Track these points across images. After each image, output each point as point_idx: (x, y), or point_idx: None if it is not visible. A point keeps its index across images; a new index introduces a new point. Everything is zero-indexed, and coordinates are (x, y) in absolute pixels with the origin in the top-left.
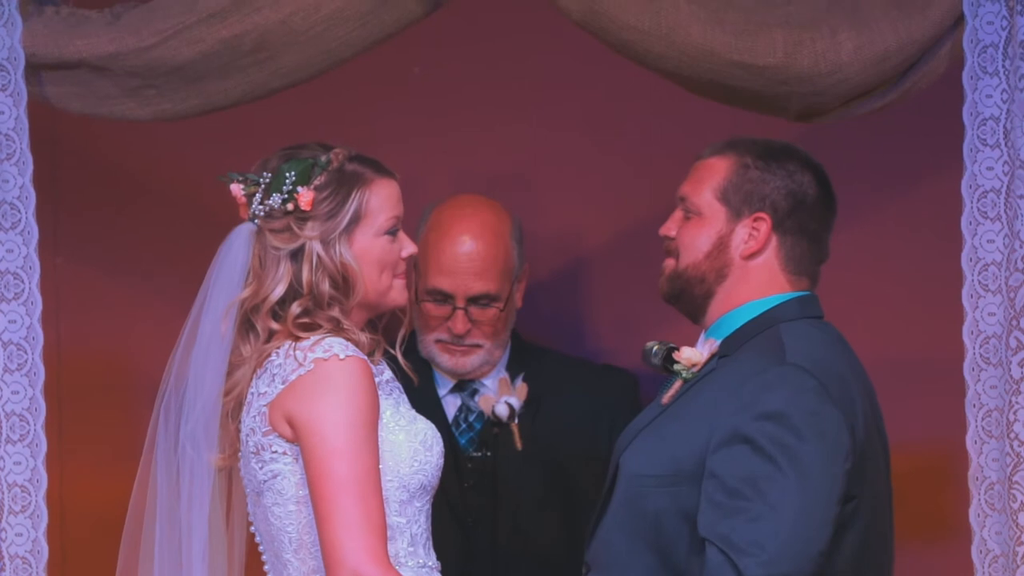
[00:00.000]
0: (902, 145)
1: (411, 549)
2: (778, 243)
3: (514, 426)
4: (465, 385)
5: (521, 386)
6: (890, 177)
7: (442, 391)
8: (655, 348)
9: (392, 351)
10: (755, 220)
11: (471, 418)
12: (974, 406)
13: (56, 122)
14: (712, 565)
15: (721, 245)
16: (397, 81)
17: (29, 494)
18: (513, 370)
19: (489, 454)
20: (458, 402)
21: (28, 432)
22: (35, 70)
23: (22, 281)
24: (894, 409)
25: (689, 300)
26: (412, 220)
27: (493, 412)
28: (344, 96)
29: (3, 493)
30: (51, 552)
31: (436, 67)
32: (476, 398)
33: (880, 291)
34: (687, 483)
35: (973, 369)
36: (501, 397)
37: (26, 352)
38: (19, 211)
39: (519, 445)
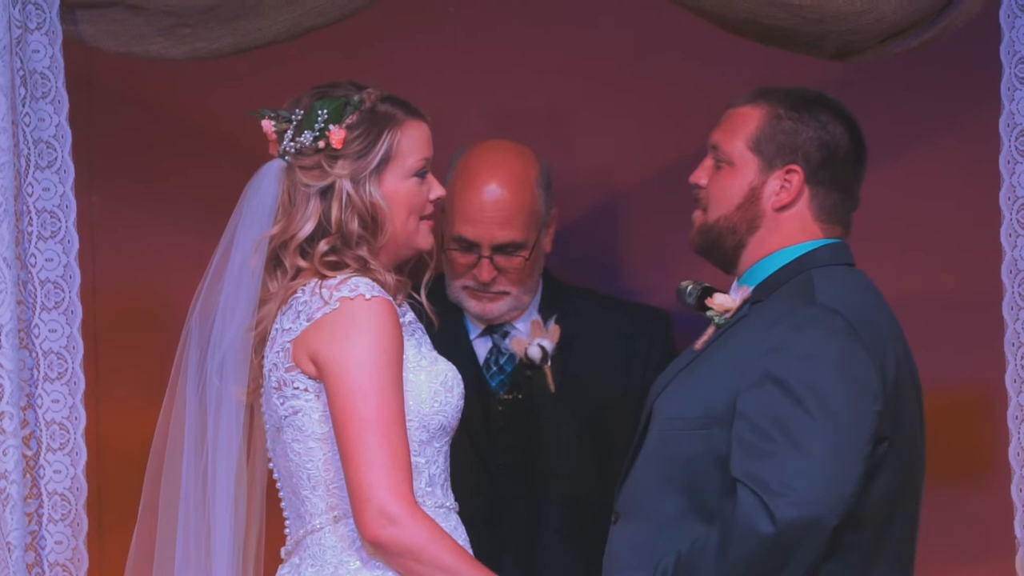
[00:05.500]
0: (939, 85)
1: (429, 489)
2: (810, 195)
3: (547, 368)
4: (496, 327)
5: (553, 328)
6: (927, 117)
7: (472, 334)
8: (689, 288)
9: (416, 296)
10: (787, 172)
11: (502, 360)
12: (1013, 345)
13: (91, 61)
14: (744, 506)
15: (753, 196)
16: (430, 21)
17: (68, 431)
18: (545, 312)
19: (521, 396)
20: (488, 344)
21: (66, 370)
22: (70, 8)
23: (58, 220)
24: (933, 349)
25: (721, 251)
26: (443, 161)
27: (526, 355)
28: (377, 36)
29: (41, 431)
30: (88, 489)
31: (469, 6)
32: (508, 340)
33: (918, 231)
34: (718, 426)
35: (1012, 308)
36: (534, 339)
37: (63, 290)
38: (55, 150)
39: (552, 387)
